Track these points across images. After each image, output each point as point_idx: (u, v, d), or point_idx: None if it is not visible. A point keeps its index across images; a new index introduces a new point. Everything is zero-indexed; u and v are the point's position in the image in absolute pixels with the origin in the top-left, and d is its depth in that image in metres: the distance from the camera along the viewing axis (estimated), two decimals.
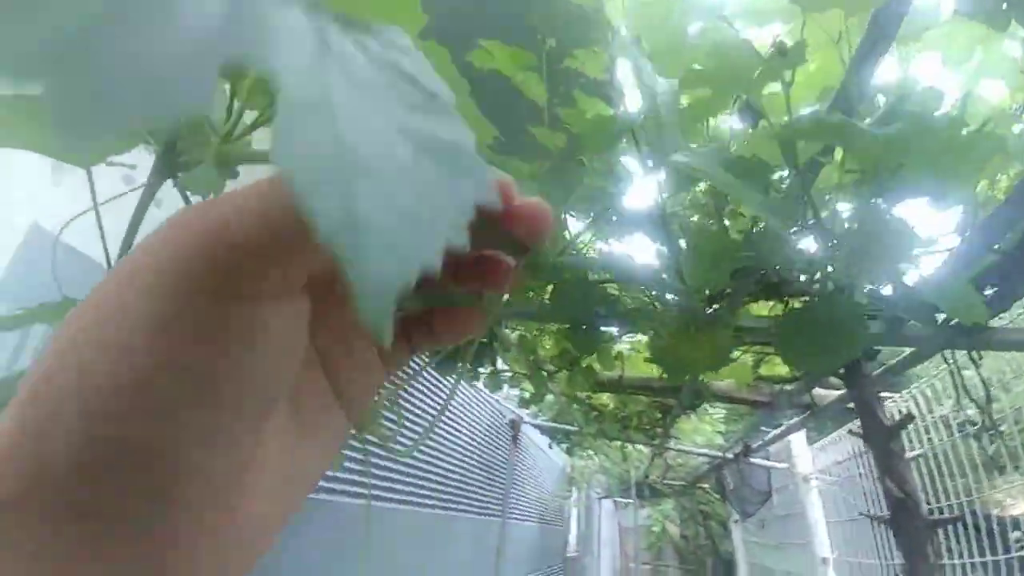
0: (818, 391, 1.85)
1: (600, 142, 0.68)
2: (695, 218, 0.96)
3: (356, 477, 1.94)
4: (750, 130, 0.70)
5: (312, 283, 0.19)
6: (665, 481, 4.96)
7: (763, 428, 3.01)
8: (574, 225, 1.03)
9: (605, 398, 2.28)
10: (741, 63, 0.59)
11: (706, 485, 4.86)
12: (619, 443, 3.18)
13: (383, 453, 2.11)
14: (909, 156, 0.53)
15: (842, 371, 1.26)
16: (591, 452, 4.09)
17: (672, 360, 0.82)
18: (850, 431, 2.42)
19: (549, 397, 2.13)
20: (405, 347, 0.27)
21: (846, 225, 0.69)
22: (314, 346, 0.23)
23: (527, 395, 2.07)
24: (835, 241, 0.67)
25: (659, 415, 2.31)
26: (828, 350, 0.68)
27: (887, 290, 0.74)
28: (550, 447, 4.92)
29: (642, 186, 0.91)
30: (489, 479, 3.70)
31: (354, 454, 1.70)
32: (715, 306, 1.05)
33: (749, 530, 4.42)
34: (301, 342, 0.19)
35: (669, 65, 0.68)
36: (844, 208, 0.72)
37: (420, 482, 2.54)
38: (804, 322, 0.69)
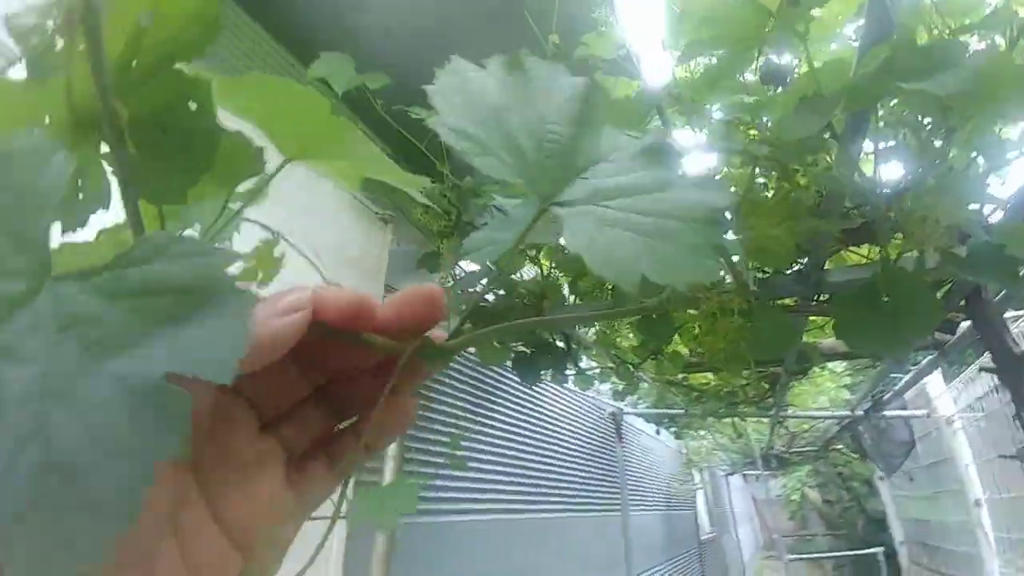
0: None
1: (631, 119, 0.61)
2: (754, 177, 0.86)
3: (470, 495, 1.98)
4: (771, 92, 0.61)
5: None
6: (793, 449, 4.68)
7: (893, 375, 2.74)
8: None
9: (705, 377, 2.15)
10: (747, 20, 0.50)
11: (840, 446, 4.54)
12: (730, 419, 3.02)
13: (498, 470, 2.18)
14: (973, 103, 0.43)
15: (962, 302, 1.10)
16: (703, 432, 3.92)
17: (754, 339, 0.73)
18: (981, 368, 2.17)
19: (644, 385, 2.05)
20: (325, 474, 0.26)
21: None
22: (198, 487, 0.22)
23: (620, 388, 2.00)
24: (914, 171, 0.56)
25: (767, 386, 2.14)
26: (890, 332, 0.59)
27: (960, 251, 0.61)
28: (657, 433, 4.80)
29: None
30: (601, 474, 3.66)
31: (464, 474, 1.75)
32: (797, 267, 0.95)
33: (897, 485, 4.15)
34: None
35: (672, 36, 0.61)
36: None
37: (535, 490, 2.56)
38: (866, 300, 0.60)
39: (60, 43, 0.27)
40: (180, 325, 0.16)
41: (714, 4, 0.55)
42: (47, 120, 0.32)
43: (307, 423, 0.26)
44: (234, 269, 0.17)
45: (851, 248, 0.97)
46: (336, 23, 1.49)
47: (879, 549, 4.32)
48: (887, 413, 2.94)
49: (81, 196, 0.36)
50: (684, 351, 1.48)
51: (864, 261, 0.97)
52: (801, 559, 5.49)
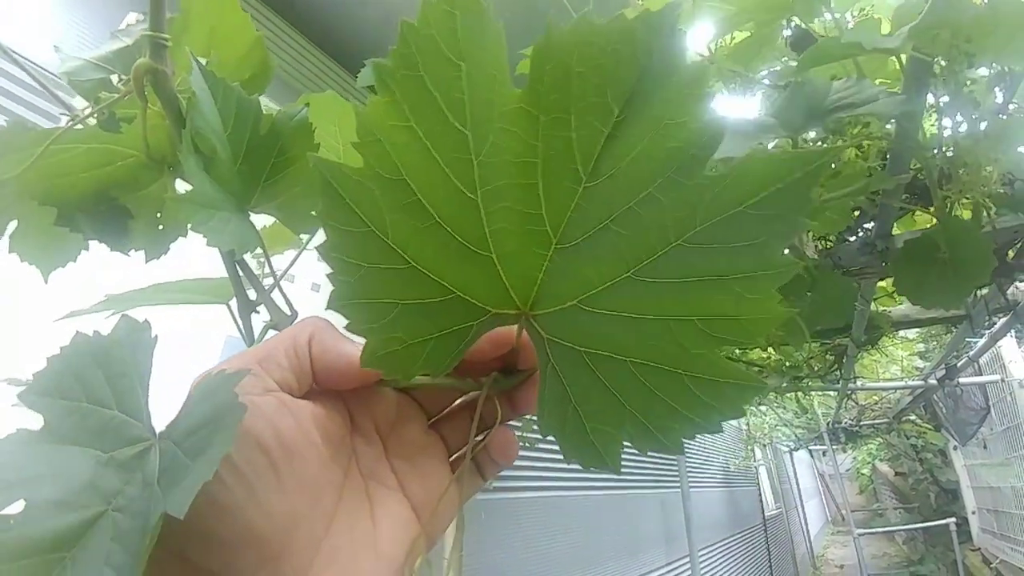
0: (1020, 285, 1.55)
1: None
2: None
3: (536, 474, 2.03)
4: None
5: (381, 410, 0.28)
6: (863, 423, 4.52)
7: (968, 340, 2.60)
8: None
9: (765, 352, 2.10)
10: None
11: (912, 417, 4.35)
12: (792, 395, 2.94)
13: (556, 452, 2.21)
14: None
15: None
16: (763, 408, 3.82)
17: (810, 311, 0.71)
18: None
19: None
20: (477, 476, 0.31)
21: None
22: (390, 464, 0.28)
23: None
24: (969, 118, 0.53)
25: (832, 358, 2.07)
26: (950, 283, 0.58)
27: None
28: (750, 403, 4.72)
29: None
30: (658, 453, 3.65)
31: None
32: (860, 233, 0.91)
33: (971, 453, 4.00)
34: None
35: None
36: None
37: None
38: (923, 252, 0.59)
39: (128, 96, 0.29)
40: (202, 455, 0.20)
41: None
42: (120, 163, 0.35)
43: (463, 428, 0.31)
44: (239, 387, 0.21)
45: (920, 209, 0.92)
46: (377, 28, 1.50)
47: (951, 520, 4.16)
48: (961, 380, 2.80)
49: (161, 227, 0.39)
50: None
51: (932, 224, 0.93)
52: (871, 533, 5.32)
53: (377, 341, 0.24)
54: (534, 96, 0.22)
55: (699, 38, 0.86)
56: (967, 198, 0.55)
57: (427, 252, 0.24)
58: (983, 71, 0.62)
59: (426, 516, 0.28)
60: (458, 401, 0.32)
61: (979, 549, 4.03)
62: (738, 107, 0.89)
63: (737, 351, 2.03)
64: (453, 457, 0.31)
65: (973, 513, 4.09)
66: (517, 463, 1.92)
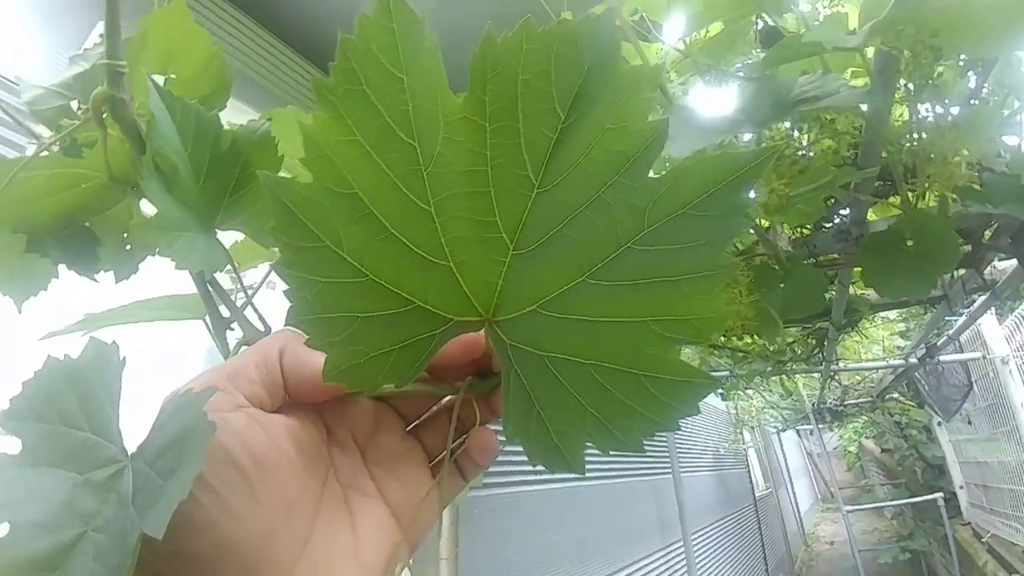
0: (998, 265, 1.59)
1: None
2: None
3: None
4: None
5: (358, 419, 0.29)
6: (847, 402, 4.60)
7: (948, 318, 2.66)
8: None
9: (748, 338, 2.13)
10: None
11: (895, 395, 4.43)
12: (777, 379, 2.97)
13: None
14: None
15: (1009, 240, 1.06)
16: (750, 392, 3.87)
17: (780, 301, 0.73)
18: None
19: (685, 352, 2.04)
20: (458, 478, 0.31)
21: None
22: (368, 472, 0.29)
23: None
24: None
25: (814, 342, 2.10)
26: (916, 272, 0.59)
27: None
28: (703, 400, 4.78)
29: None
30: (650, 440, 3.69)
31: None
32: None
33: (956, 429, 4.08)
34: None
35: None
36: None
37: (590, 459, 2.60)
38: (890, 243, 0.60)
39: (88, 122, 0.29)
40: (174, 475, 0.20)
41: None
42: (84, 186, 0.34)
43: (441, 432, 0.31)
44: (209, 405, 0.21)
45: (891, 199, 0.94)
46: (341, 18, 1.49)
47: (938, 495, 4.24)
48: (942, 358, 2.86)
49: (128, 248, 0.39)
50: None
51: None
52: (860, 510, 5.43)
53: (339, 355, 0.24)
54: (478, 105, 0.22)
55: (673, 32, 0.86)
56: (934, 192, 0.56)
57: (384, 264, 0.24)
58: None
59: (407, 520, 0.28)
60: (436, 406, 0.32)
61: (969, 523, 4.09)
62: (716, 97, 0.89)
63: (722, 338, 2.06)
64: (433, 462, 0.31)
65: (961, 488, 4.15)
66: (510, 458, 1.94)
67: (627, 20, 0.83)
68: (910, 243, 0.60)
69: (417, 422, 0.32)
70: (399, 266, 0.24)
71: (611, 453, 0.27)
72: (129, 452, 0.22)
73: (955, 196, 0.54)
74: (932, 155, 0.51)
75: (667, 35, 0.90)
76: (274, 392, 0.26)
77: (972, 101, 0.81)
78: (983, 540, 3.64)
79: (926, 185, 0.53)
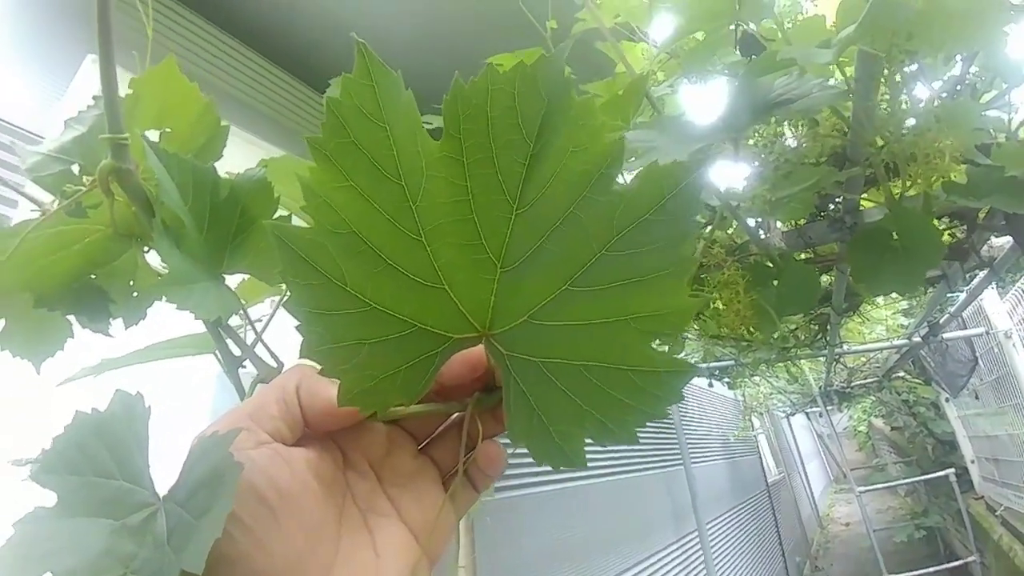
0: (995, 241, 1.59)
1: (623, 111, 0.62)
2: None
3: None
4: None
5: (372, 444, 0.30)
6: (854, 383, 4.60)
7: (949, 295, 2.66)
8: None
9: (737, 325, 2.13)
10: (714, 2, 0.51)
11: (901, 374, 4.43)
12: (783, 365, 2.98)
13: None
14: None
15: (1003, 222, 1.07)
16: (756, 379, 3.88)
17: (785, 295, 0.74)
18: None
19: (690, 344, 2.04)
20: (470, 491, 0.32)
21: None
22: (385, 493, 0.30)
23: (667, 349, 2.01)
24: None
25: (816, 327, 2.11)
26: (903, 269, 0.60)
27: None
28: (710, 386, 4.80)
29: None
30: (662, 433, 3.70)
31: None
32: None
33: (964, 404, 4.07)
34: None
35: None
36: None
37: (601, 455, 2.62)
38: (876, 241, 0.62)
39: (92, 185, 0.30)
40: (207, 514, 0.21)
41: None
42: (88, 240, 0.36)
43: (452, 449, 0.32)
44: (234, 444, 0.23)
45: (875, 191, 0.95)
46: (340, 45, 1.51)
47: (950, 470, 4.24)
48: (946, 335, 2.86)
49: (136, 294, 0.40)
50: (720, 307, 1.48)
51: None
52: (873, 489, 5.43)
53: (351, 380, 0.26)
54: (454, 144, 0.24)
55: (659, 32, 0.87)
56: (918, 188, 0.57)
57: (384, 293, 0.26)
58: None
59: (425, 536, 0.30)
60: (444, 424, 0.33)
61: (982, 497, 4.08)
62: (703, 95, 0.90)
63: (725, 329, 2.06)
64: (446, 477, 0.33)
65: (972, 462, 4.14)
66: (522, 462, 1.95)
67: (606, 24, 0.84)
68: (896, 240, 0.61)
69: (428, 441, 0.33)
70: (398, 293, 0.26)
71: (622, 447, 0.29)
72: (160, 495, 0.24)
73: (939, 195, 0.55)
74: (914, 153, 0.52)
75: (653, 35, 0.91)
76: (294, 426, 0.28)
77: (958, 87, 0.82)
78: (997, 513, 3.62)
79: (908, 184, 0.54)
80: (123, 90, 0.40)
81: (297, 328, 0.25)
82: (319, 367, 0.26)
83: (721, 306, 0.74)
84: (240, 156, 0.41)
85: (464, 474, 0.32)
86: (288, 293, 0.25)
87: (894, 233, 0.61)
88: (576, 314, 0.27)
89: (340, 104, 0.23)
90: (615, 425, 0.29)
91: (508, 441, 0.31)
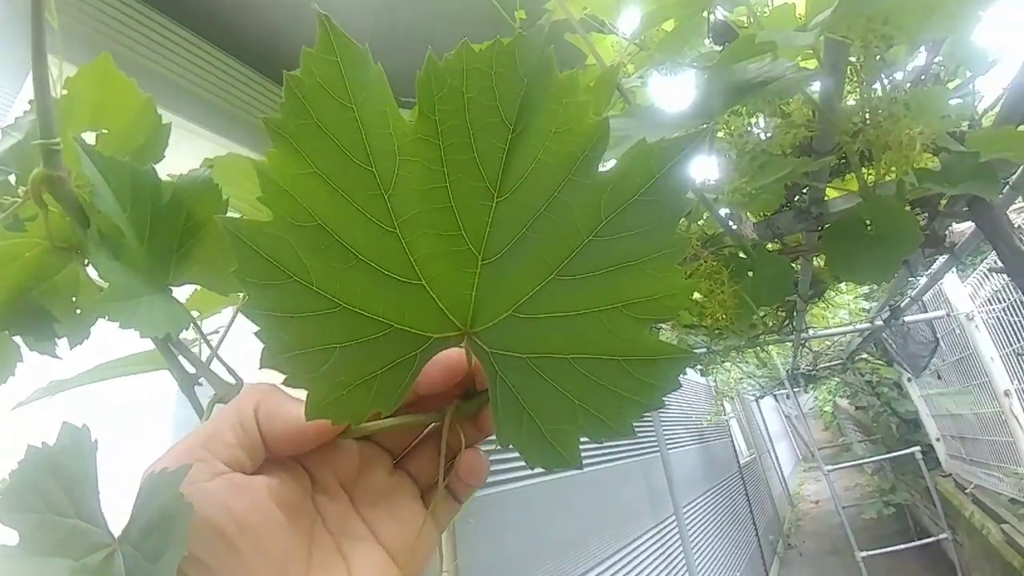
0: (956, 227, 1.64)
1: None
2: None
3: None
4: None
5: (342, 463, 0.28)
6: (820, 366, 4.73)
7: (911, 279, 2.74)
8: None
9: (721, 316, 2.16)
10: None
11: (865, 356, 4.57)
12: (752, 350, 3.04)
13: None
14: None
15: (966, 208, 1.09)
16: (727, 365, 3.96)
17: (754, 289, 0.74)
18: (990, 269, 2.17)
19: (663, 333, 2.06)
20: (452, 502, 0.31)
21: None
22: (359, 514, 0.28)
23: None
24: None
25: (784, 314, 2.15)
26: (879, 258, 0.61)
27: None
28: (683, 373, 4.89)
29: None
30: (638, 422, 3.75)
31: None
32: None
33: (926, 384, 4.20)
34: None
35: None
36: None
37: (580, 446, 2.64)
38: (850, 230, 0.62)
39: (26, 196, 0.28)
40: (161, 558, 0.20)
41: None
42: (28, 255, 0.33)
43: (430, 461, 0.31)
44: (189, 476, 0.22)
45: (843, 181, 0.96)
46: (300, 33, 1.46)
47: (915, 448, 4.38)
48: (907, 318, 2.95)
49: (79, 311, 0.37)
50: (698, 297, 1.49)
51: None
52: (840, 468, 5.61)
53: (320, 389, 0.24)
54: (429, 125, 0.22)
55: (628, 25, 0.86)
56: (891, 176, 0.57)
57: (355, 291, 0.24)
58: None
59: (405, 556, 0.28)
60: (420, 436, 0.32)
61: (950, 475, 4.16)
62: (673, 87, 0.90)
63: (709, 320, 2.09)
64: (425, 491, 0.31)
65: (937, 440, 4.25)
66: (502, 457, 1.94)
67: (574, 16, 0.82)
68: (871, 229, 0.61)
69: (403, 454, 0.31)
70: (371, 291, 0.24)
71: (596, 440, 0.28)
72: (116, 534, 0.23)
73: (914, 182, 0.55)
74: (888, 141, 0.51)
75: (622, 27, 0.90)
76: (253, 451, 0.25)
77: (923, 77, 0.83)
78: (967, 491, 3.70)
79: (882, 172, 0.54)
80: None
81: (256, 334, 0.23)
82: (283, 377, 0.24)
83: (700, 297, 0.73)
84: (197, 152, 0.38)
85: (444, 486, 0.30)
86: (245, 296, 0.22)
87: (868, 222, 0.60)
88: (564, 305, 0.26)
89: (301, 82, 0.21)
90: (611, 419, 0.28)
91: (489, 445, 0.30)
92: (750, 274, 0.74)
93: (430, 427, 0.31)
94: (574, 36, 0.85)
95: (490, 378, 0.27)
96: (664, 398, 0.28)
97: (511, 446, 0.28)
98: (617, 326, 0.26)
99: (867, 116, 0.55)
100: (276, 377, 0.25)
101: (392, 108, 0.22)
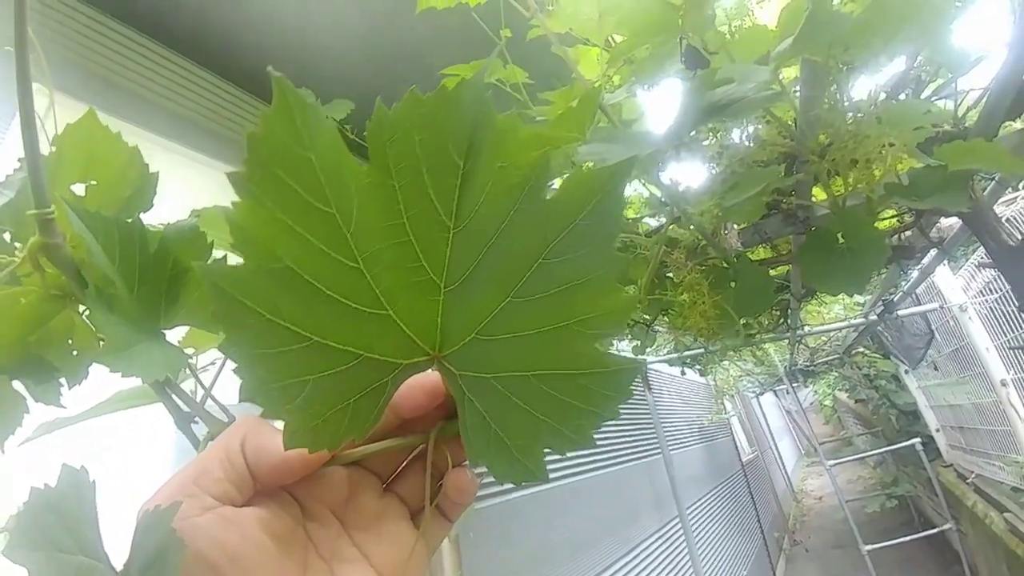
0: (944, 222, 1.65)
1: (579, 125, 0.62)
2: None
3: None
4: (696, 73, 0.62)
5: (331, 490, 0.29)
6: (817, 361, 4.75)
7: (903, 272, 2.76)
8: None
9: (702, 327, 2.18)
10: (660, 16, 0.51)
11: (861, 350, 4.59)
12: (749, 349, 3.06)
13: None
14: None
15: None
16: (726, 363, 3.97)
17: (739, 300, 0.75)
18: (979, 264, 2.19)
19: (660, 336, 2.07)
20: (442, 521, 0.32)
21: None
22: (350, 538, 0.29)
23: (638, 344, 2.03)
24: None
25: (778, 312, 2.17)
26: (849, 271, 0.62)
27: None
28: (683, 374, 4.89)
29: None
30: (639, 424, 3.75)
31: None
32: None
33: (923, 375, 4.21)
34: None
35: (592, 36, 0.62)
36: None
37: (582, 454, 2.64)
38: (823, 243, 0.64)
39: (23, 260, 0.29)
40: None
41: (629, 9, 0.56)
42: (24, 301, 0.34)
43: (418, 482, 0.32)
44: (180, 512, 0.23)
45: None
46: (289, 56, 1.47)
47: (916, 440, 4.39)
48: (901, 312, 2.97)
49: (75, 353, 0.38)
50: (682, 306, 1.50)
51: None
52: (842, 462, 5.61)
53: (296, 420, 0.25)
54: (382, 170, 0.24)
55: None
56: (861, 190, 0.58)
57: (326, 324, 0.25)
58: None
59: (393, 574, 0.29)
60: (408, 458, 0.33)
61: (951, 465, 4.17)
62: (661, 96, 0.91)
63: (691, 330, 2.10)
64: (416, 511, 0.32)
65: (937, 431, 4.26)
66: None
67: (554, 36, 0.83)
68: (842, 243, 0.63)
69: (392, 477, 0.32)
70: (341, 324, 0.26)
71: (598, 445, 0.29)
72: (117, 569, 0.24)
73: (882, 203, 0.56)
74: (854, 159, 0.53)
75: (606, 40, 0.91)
76: (242, 485, 0.26)
77: (904, 81, 0.84)
78: (968, 481, 3.69)
79: (850, 188, 0.55)
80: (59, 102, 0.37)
81: (235, 371, 0.24)
82: (261, 410, 0.25)
83: (685, 305, 0.75)
84: (188, 174, 0.39)
85: (434, 506, 0.31)
86: (223, 336, 0.24)
87: (839, 235, 0.62)
88: (522, 325, 0.28)
89: (260, 138, 0.23)
90: (572, 431, 0.29)
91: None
92: (732, 284, 0.75)
93: (417, 449, 0.32)
94: (559, 48, 0.86)
95: (458, 399, 0.29)
96: (619, 407, 0.29)
97: (480, 464, 0.29)
98: (571, 342, 0.28)
99: (831, 135, 0.57)
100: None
101: (346, 156, 0.24)
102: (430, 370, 0.29)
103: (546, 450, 0.29)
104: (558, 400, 0.28)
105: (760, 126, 0.65)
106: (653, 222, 1.19)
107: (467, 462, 0.32)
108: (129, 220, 0.33)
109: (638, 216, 1.22)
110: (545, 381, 0.28)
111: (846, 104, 0.57)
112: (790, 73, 0.65)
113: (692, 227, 0.90)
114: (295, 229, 0.23)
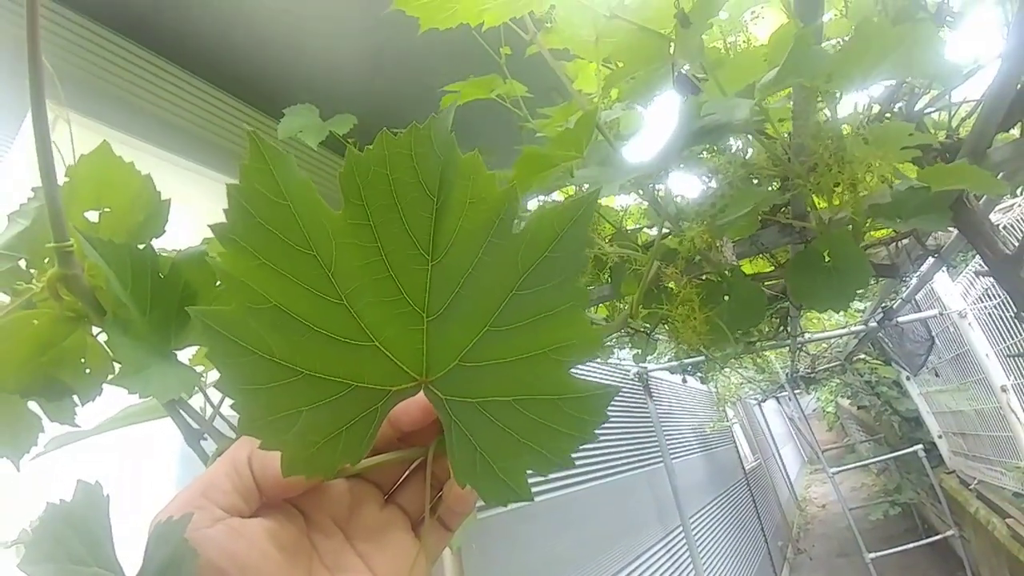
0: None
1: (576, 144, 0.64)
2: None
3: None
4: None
5: (334, 502, 0.30)
6: (818, 368, 4.74)
7: (902, 281, 2.77)
8: None
9: (694, 342, 2.18)
10: (650, 45, 0.53)
11: (862, 356, 4.58)
12: (750, 356, 3.06)
13: None
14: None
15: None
16: (727, 371, 3.97)
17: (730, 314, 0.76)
18: (976, 273, 2.20)
19: (661, 344, 2.08)
20: (443, 531, 0.33)
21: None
22: (353, 549, 0.30)
23: (639, 352, 2.04)
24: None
25: (777, 320, 2.17)
26: (835, 289, 0.65)
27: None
28: (684, 382, 4.89)
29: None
30: (641, 433, 3.75)
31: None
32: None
33: (925, 381, 4.20)
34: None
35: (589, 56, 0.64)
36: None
37: (585, 461, 2.64)
38: (810, 262, 0.66)
39: (42, 289, 0.30)
40: None
41: (623, 38, 0.58)
42: (37, 323, 0.35)
43: (419, 493, 0.33)
44: (191, 524, 0.24)
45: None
46: (292, 72, 1.49)
47: (918, 446, 4.37)
48: (900, 319, 2.97)
49: (88, 371, 0.40)
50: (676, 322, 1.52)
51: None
52: (845, 470, 5.59)
53: (292, 450, 0.27)
54: (357, 209, 0.26)
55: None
56: (846, 210, 0.60)
57: (315, 358, 0.27)
58: None
59: None
60: (409, 469, 0.34)
61: (953, 472, 4.16)
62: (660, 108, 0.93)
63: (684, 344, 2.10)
64: (417, 522, 0.33)
65: (940, 437, 4.25)
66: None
67: (549, 56, 0.85)
68: (828, 260, 0.64)
69: (393, 489, 0.34)
70: (330, 356, 0.27)
71: (599, 454, 0.30)
72: None
73: (866, 223, 0.58)
74: (839, 181, 0.54)
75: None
76: (249, 497, 0.28)
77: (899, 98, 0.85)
78: (971, 487, 3.68)
79: (835, 210, 0.56)
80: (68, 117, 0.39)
81: (232, 407, 0.26)
82: (259, 442, 0.27)
83: (678, 320, 0.76)
84: (193, 187, 0.41)
85: (434, 516, 0.32)
86: (218, 375, 0.25)
87: (825, 254, 0.64)
88: (500, 353, 0.29)
89: (241, 190, 0.24)
90: (551, 453, 0.30)
91: None
92: (726, 298, 0.77)
93: (417, 461, 0.33)
94: (556, 65, 0.88)
95: (445, 423, 0.30)
96: (595, 430, 0.31)
97: (467, 485, 0.30)
98: (546, 369, 0.29)
99: (816, 159, 0.58)
100: None
101: (319, 203, 0.25)
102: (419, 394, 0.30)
103: (528, 472, 0.31)
104: (538, 423, 0.30)
105: (750, 150, 0.66)
106: (654, 232, 1.20)
107: None
108: (141, 247, 0.34)
109: (637, 227, 1.23)
110: (525, 406, 0.30)
111: (832, 128, 0.58)
112: (776, 97, 0.67)
113: (686, 242, 0.92)
114: (279, 272, 0.25)
